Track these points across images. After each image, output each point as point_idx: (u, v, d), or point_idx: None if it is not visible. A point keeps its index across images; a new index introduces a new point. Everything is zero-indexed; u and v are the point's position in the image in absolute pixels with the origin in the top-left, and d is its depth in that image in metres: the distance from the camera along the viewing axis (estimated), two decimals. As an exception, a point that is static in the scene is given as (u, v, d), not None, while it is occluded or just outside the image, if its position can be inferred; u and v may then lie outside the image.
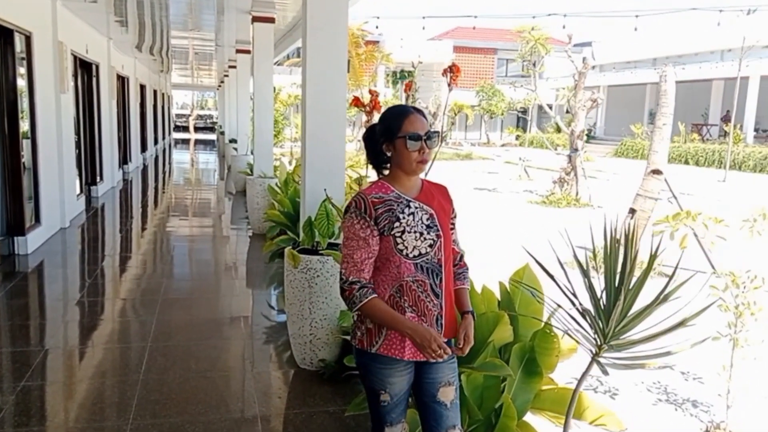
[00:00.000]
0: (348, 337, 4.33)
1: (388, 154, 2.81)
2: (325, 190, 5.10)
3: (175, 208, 14.79)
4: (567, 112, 35.07)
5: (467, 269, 3.06)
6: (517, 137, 47.54)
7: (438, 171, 4.75)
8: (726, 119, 34.99)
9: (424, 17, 22.95)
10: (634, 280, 3.10)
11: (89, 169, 14.80)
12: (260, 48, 11.44)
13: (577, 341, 3.09)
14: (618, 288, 3.04)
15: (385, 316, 2.70)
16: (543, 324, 3.68)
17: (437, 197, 2.91)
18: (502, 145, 46.43)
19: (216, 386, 4.96)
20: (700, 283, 3.64)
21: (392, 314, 2.71)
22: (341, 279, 2.73)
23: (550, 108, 21.44)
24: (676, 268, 3.19)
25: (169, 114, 43.08)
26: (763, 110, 35.05)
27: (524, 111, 45.25)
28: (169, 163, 28.49)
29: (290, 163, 12.60)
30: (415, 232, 2.73)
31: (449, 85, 4.98)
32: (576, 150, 17.20)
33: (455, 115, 45.61)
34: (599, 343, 3.04)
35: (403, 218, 2.73)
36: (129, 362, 5.42)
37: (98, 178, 15.35)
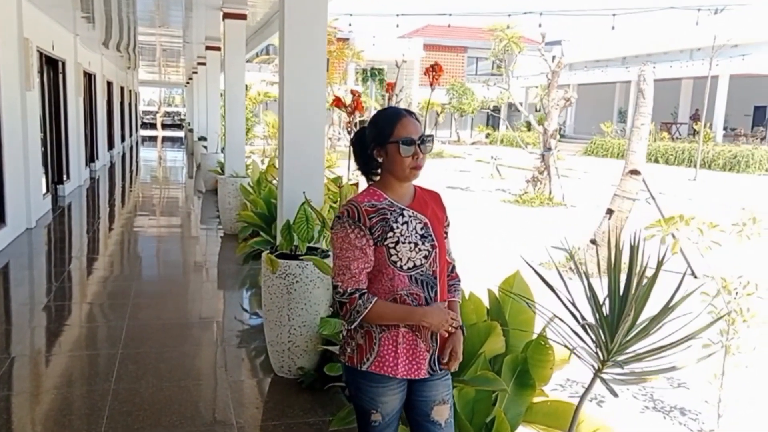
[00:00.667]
0: (331, 348, 4.17)
1: (380, 159, 2.64)
2: (304, 193, 4.92)
3: (144, 207, 14.47)
4: (536, 110, 35.19)
5: (459, 281, 2.91)
6: (488, 135, 47.63)
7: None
8: (695, 118, 35.35)
9: (398, 15, 22.77)
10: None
11: (56, 167, 14.45)
12: (231, 45, 11.21)
13: (578, 356, 2.95)
14: (623, 299, 2.90)
15: (396, 314, 2.56)
16: (537, 335, 3.55)
17: (431, 205, 2.76)
18: (473, 144, 46.46)
19: (190, 395, 4.76)
20: (690, 288, 3.53)
21: (403, 309, 2.57)
22: (338, 293, 2.55)
23: (518, 107, 21.37)
24: (684, 274, 3.06)
25: (137, 111, 42.51)
26: (731, 109, 35.47)
27: (496, 109, 45.33)
28: (137, 161, 28.06)
29: (262, 161, 12.37)
30: (409, 242, 2.58)
31: (431, 84, 4.84)
32: (549, 149, 17.19)
33: (425, 113, 45.57)
34: (603, 358, 2.90)
35: (397, 228, 2.57)
36: (99, 370, 5.19)
37: (65, 177, 15.01)
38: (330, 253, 5.09)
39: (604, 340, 2.90)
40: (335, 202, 6.13)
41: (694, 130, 33.38)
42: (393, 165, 2.60)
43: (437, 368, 2.69)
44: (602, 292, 3.25)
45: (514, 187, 19.55)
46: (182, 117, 57.16)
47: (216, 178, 13.76)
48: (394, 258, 2.57)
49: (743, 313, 4.28)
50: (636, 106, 9.52)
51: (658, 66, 33.71)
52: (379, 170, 2.70)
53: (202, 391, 4.89)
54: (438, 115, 45.68)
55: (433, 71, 4.82)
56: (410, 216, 2.62)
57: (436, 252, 2.64)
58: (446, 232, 2.81)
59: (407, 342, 2.62)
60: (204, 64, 17.68)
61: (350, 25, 28.08)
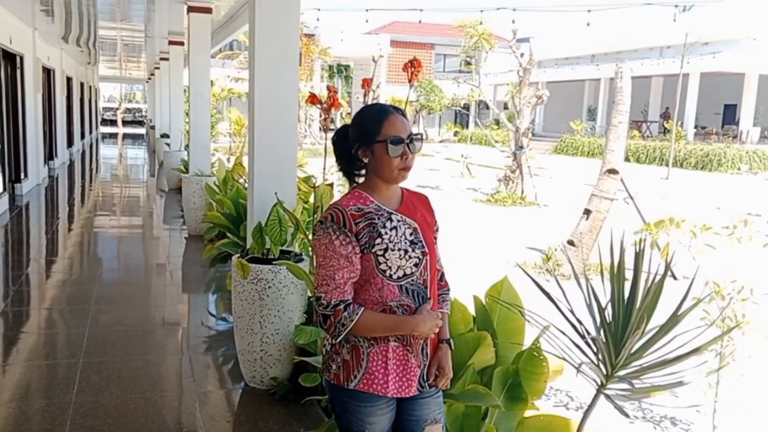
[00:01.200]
0: (308, 359, 4.00)
1: (365, 160, 2.47)
2: (276, 193, 4.73)
3: (105, 207, 14.14)
4: (505, 107, 35.26)
5: (449, 290, 2.74)
6: (456, 133, 47.62)
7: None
8: (665, 116, 35.67)
9: (367, 10, 22.57)
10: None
11: (13, 165, 14.06)
12: (196, 39, 10.93)
13: (582, 373, 2.80)
14: (627, 308, 2.76)
15: (385, 325, 2.40)
16: (530, 346, 3.40)
17: (419, 208, 2.59)
18: (441, 141, 46.43)
19: (157, 408, 4.53)
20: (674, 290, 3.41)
21: (392, 319, 2.41)
22: (321, 305, 2.37)
23: (488, 105, 21.34)
24: (693, 280, 2.93)
25: (97, 107, 41.86)
26: (701, 107, 35.85)
27: (466, 107, 45.34)
28: (97, 159, 27.62)
29: (228, 159, 12.14)
30: (398, 249, 2.41)
31: (410, 80, 4.67)
32: (521, 147, 17.14)
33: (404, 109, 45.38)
34: (607, 372, 2.75)
35: (386, 234, 2.40)
36: (59, 381, 4.92)
37: (23, 176, 14.59)
38: (304, 257, 4.91)
39: (609, 354, 2.75)
40: (306, 203, 5.96)
41: (665, 129, 33.66)
42: (380, 166, 2.44)
43: (425, 385, 2.53)
44: (585, 295, 3.13)
45: (485, 186, 19.49)
46: (144, 114, 56.46)
47: (180, 176, 13.50)
48: (383, 266, 2.40)
49: (738, 319, 4.18)
50: (613, 103, 9.45)
51: (629, 64, 33.96)
52: (363, 171, 2.54)
53: (169, 403, 4.67)
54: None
55: (412, 67, 4.65)
56: (399, 221, 2.46)
57: (426, 259, 2.48)
58: (435, 238, 2.65)
59: (398, 357, 2.45)
60: (167, 59, 17.35)
61: (318, 20, 27.80)
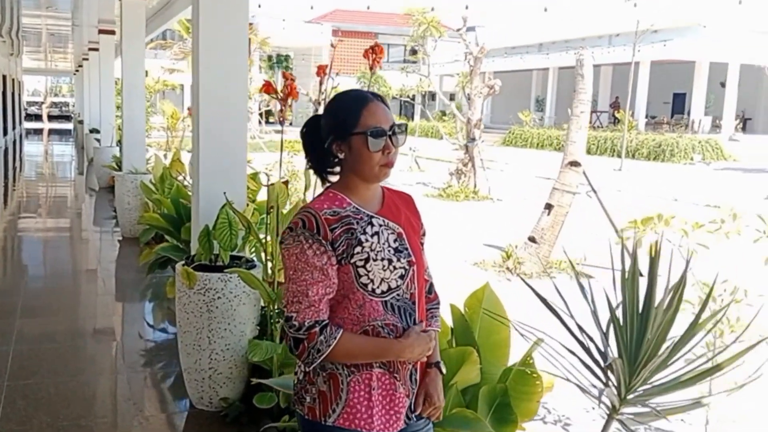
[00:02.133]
0: (265, 381, 3.67)
1: (340, 155, 2.17)
2: (225, 193, 4.39)
3: (30, 208, 13.60)
4: (451, 98, 35.21)
5: (439, 303, 2.44)
6: (402, 125, 47.37)
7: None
8: (615, 106, 36.10)
9: (311, -5, 22.19)
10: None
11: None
12: (129, 28, 10.45)
13: (582, 390, 2.55)
14: (642, 322, 2.51)
15: (368, 350, 2.12)
16: (521, 362, 3.15)
17: (403, 210, 2.30)
18: (387, 134, 46.15)
19: (93, 438, 4.19)
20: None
21: (377, 343, 2.13)
22: (293, 326, 2.06)
23: (434, 96, 21.27)
24: (714, 282, 2.71)
25: (20, 102, 40.56)
26: (650, 96, 36.37)
27: (411, 98, 45.24)
28: (21, 156, 26.81)
29: (165, 156, 11.68)
30: (381, 259, 2.12)
31: (371, 68, 4.40)
32: (473, 140, 16.99)
33: (320, 102, 45.14)
34: (622, 395, 2.50)
35: (366, 240, 2.11)
36: (-20, 409, 4.53)
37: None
38: (257, 263, 4.58)
39: (624, 375, 2.50)
40: (253, 201, 5.63)
41: (616, 119, 34.03)
42: (358, 162, 2.15)
43: (413, 416, 2.25)
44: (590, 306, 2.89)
45: (436, 180, 19.30)
46: (71, 108, 55.11)
47: (111, 174, 13.01)
48: (364, 279, 2.11)
49: (732, 324, 3.99)
50: (575, 92, 9.31)
51: (579, 52, 34.22)
52: (337, 169, 2.24)
53: (107, 429, 4.32)
54: (318, 102, 45.29)
55: (373, 53, 4.39)
56: (381, 225, 2.17)
57: (413, 270, 2.20)
58: (422, 243, 2.37)
59: (383, 386, 2.16)
60: (96, 49, 16.76)
61: (259, 6, 27.31)
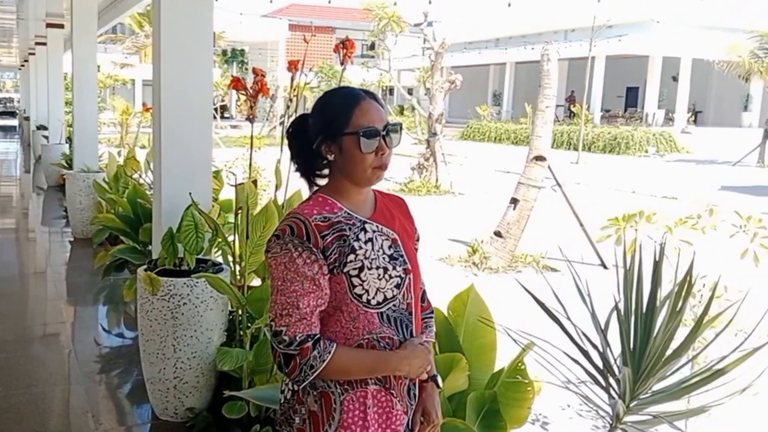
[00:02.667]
0: (236, 393, 3.48)
1: (330, 157, 2.02)
2: (190, 194, 4.18)
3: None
4: (409, 93, 35.18)
5: (432, 312, 2.31)
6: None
7: (275, 158, 4.15)
8: (571, 100, 36.42)
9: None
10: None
11: None
12: (81, 21, 10.07)
13: (587, 401, 2.43)
14: (646, 326, 2.40)
15: (364, 364, 1.98)
16: (511, 367, 3.02)
17: (396, 215, 2.16)
18: (343, 129, 45.99)
19: (50, 456, 3.96)
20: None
21: (373, 356, 1.99)
22: (282, 342, 1.90)
23: (392, 91, 21.19)
24: (717, 282, 2.60)
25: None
26: (605, 90, 36.78)
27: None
28: (-38, 155, 25.94)
29: (119, 153, 11.36)
30: (377, 267, 1.97)
31: (342, 62, 4.25)
32: (435, 134, 16.94)
33: (292, 98, 44.84)
34: (627, 403, 2.39)
35: (360, 248, 1.96)
36: (-77, 428, 4.26)
37: None
38: (224, 266, 4.39)
39: (628, 385, 2.39)
40: (215, 199, 5.44)
41: (571, 112, 34.34)
42: (350, 164, 2.00)
43: None
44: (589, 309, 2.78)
45: (397, 175, 19.16)
46: (16, 104, 53.93)
47: (61, 172, 12.63)
48: (358, 290, 1.96)
49: (714, 321, 3.92)
50: (540, 87, 9.27)
51: (536, 47, 34.48)
52: (326, 171, 2.09)
53: (65, 447, 4.10)
54: (306, 99, 45.00)
55: (344, 47, 4.24)
56: (374, 231, 2.03)
57: (409, 278, 2.06)
58: (416, 249, 2.22)
59: (379, 404, 2.02)
60: (44, 43, 16.30)
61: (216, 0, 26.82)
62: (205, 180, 4.50)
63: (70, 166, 10.96)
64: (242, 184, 3.89)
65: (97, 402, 4.70)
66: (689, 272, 2.50)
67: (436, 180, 17.08)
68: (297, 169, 2.13)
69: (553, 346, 2.69)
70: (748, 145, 26.49)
